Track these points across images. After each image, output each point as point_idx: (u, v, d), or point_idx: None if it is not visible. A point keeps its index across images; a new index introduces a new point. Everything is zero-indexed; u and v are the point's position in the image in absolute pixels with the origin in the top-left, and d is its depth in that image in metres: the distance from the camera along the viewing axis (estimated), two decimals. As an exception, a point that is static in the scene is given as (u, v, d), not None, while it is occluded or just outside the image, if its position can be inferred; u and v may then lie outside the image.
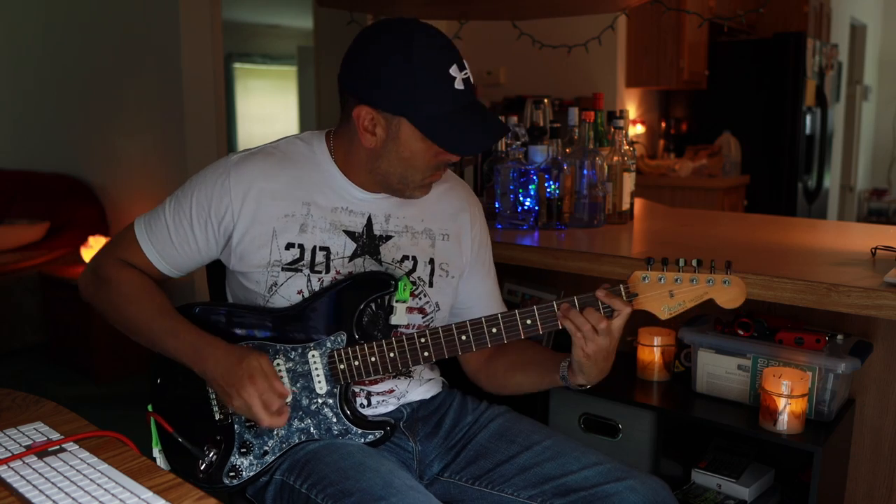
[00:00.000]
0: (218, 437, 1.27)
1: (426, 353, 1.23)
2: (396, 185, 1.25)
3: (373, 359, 1.23)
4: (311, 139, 1.32)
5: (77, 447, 1.02)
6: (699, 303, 1.18)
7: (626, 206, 2.10)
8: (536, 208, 1.96)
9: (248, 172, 1.26)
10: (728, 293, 1.17)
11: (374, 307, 1.27)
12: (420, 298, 1.33)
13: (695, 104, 5.19)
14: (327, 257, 1.27)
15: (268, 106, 8.59)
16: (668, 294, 1.18)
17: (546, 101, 2.03)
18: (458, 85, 1.17)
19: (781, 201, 4.94)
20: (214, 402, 1.28)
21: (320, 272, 1.26)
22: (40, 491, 0.90)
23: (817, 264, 1.62)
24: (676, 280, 1.17)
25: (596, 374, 1.24)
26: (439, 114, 1.16)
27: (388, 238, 1.31)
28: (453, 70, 1.16)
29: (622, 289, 1.19)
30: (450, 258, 1.36)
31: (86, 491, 0.90)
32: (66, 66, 4.41)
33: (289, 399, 1.24)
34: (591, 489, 1.21)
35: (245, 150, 1.31)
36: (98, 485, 0.92)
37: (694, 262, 1.17)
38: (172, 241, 1.28)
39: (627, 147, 2.09)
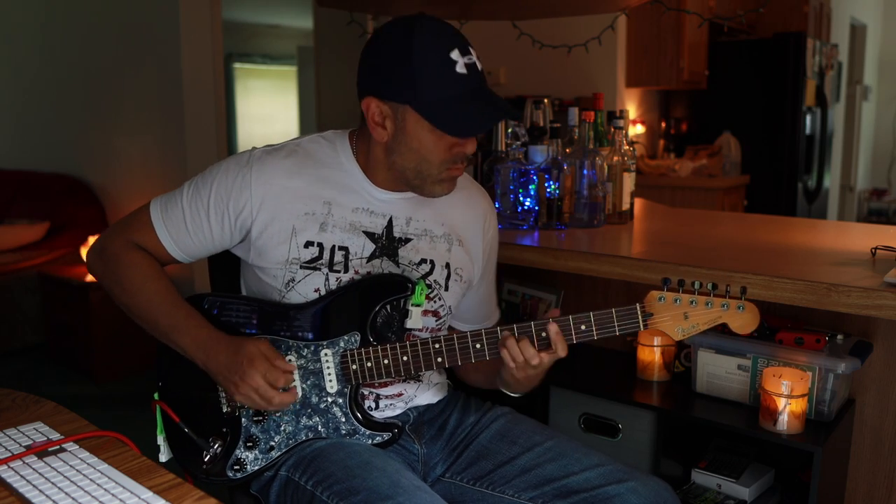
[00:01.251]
0: (224, 430, 1.27)
1: (440, 359, 1.23)
2: (414, 180, 1.24)
3: (385, 361, 1.23)
4: (335, 139, 1.32)
5: (77, 447, 1.02)
6: (712, 326, 1.19)
7: (626, 206, 2.10)
8: (536, 208, 1.96)
9: (271, 169, 1.25)
10: (741, 319, 1.17)
11: (389, 309, 1.27)
12: (435, 301, 1.33)
13: (695, 104, 5.19)
14: (346, 257, 1.26)
15: (268, 106, 8.59)
16: (682, 316, 1.18)
17: (546, 101, 2.03)
18: (461, 69, 1.16)
19: (781, 201, 4.94)
20: (222, 394, 1.28)
21: (339, 271, 1.26)
22: (40, 491, 0.90)
23: (817, 264, 1.62)
24: (692, 303, 1.18)
25: (521, 390, 1.32)
26: (441, 98, 1.16)
27: (408, 241, 1.31)
28: (454, 54, 1.15)
29: (638, 308, 1.19)
30: (463, 264, 1.37)
31: (86, 491, 0.90)
32: (66, 66, 4.41)
33: (297, 386, 1.24)
34: (592, 491, 1.21)
35: (268, 145, 1.31)
36: (98, 485, 0.92)
37: (709, 286, 1.18)
38: (187, 227, 1.27)
39: (627, 147, 2.09)
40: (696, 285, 1.18)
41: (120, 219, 1.35)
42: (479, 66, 1.19)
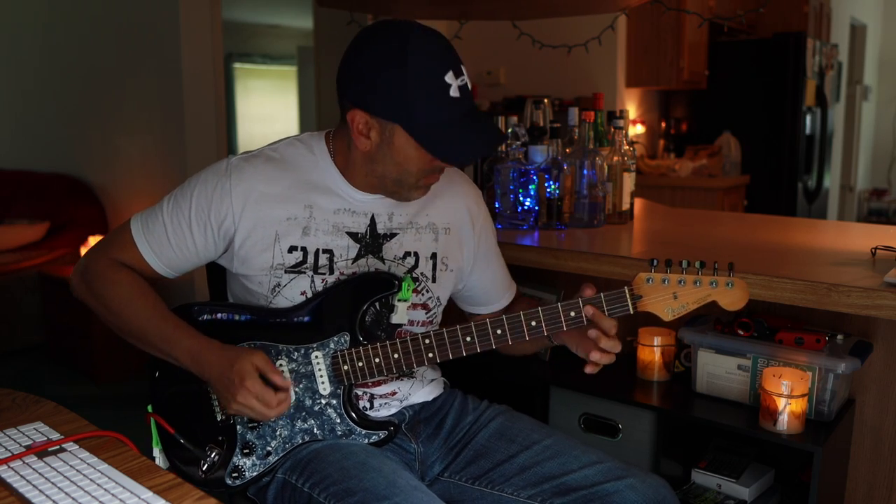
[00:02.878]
0: (220, 438, 1.27)
1: (430, 355, 1.23)
2: (392, 187, 1.25)
3: (377, 360, 1.23)
4: (311, 141, 1.32)
5: (77, 447, 1.02)
6: (702, 305, 1.18)
7: (626, 206, 2.10)
8: (536, 208, 1.96)
9: (249, 176, 1.25)
10: (731, 295, 1.17)
11: (378, 306, 1.27)
12: (423, 294, 1.33)
13: (695, 104, 5.19)
14: (330, 259, 1.26)
15: (268, 106, 8.59)
16: (671, 296, 1.18)
17: (546, 101, 2.03)
18: (454, 93, 1.15)
19: (781, 201, 4.94)
20: (216, 402, 1.27)
21: (324, 273, 1.26)
22: (40, 491, 0.90)
23: (817, 264, 1.62)
24: (680, 282, 1.17)
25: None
26: (434, 122, 1.15)
27: (393, 235, 1.31)
28: (449, 77, 1.14)
29: (627, 291, 1.18)
30: (450, 252, 1.37)
31: (86, 491, 0.90)
32: (66, 66, 4.41)
33: (292, 391, 1.24)
34: (590, 488, 1.21)
35: (245, 152, 1.31)
36: (98, 485, 0.92)
37: (697, 264, 1.17)
38: (170, 241, 1.27)
39: (627, 147, 2.09)
40: (685, 265, 1.17)
41: (101, 239, 1.34)
42: (469, 86, 1.19)
